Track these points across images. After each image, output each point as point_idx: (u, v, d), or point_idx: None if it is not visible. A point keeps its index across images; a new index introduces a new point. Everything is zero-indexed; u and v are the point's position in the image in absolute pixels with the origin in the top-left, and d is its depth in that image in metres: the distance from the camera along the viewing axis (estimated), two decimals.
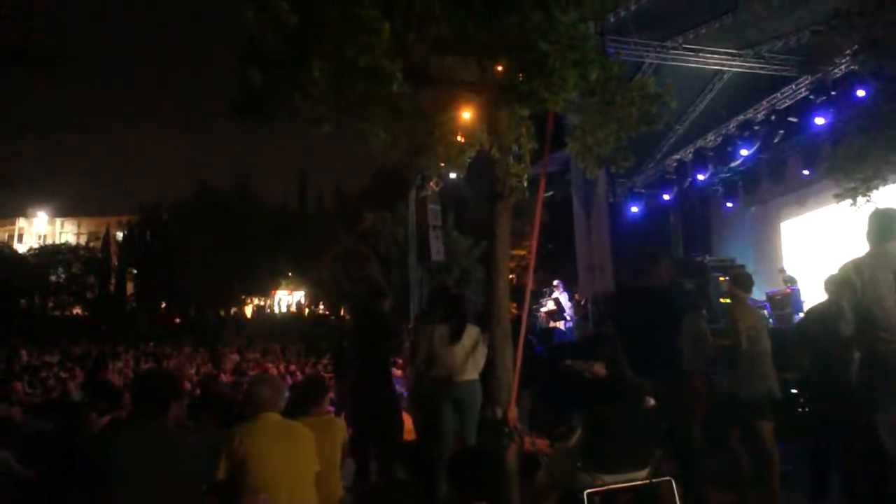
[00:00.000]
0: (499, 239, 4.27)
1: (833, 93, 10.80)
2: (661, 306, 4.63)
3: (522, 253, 22.04)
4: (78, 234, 55.63)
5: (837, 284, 3.77)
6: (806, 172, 12.84)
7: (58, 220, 58.44)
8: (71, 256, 42.77)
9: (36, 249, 45.19)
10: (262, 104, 3.65)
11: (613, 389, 3.74)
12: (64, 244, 46.42)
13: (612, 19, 10.41)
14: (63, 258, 42.36)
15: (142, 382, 3.54)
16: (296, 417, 3.75)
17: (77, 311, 42.37)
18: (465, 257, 24.19)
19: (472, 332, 5.27)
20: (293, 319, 40.67)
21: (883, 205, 4.81)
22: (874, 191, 7.98)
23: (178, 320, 41.50)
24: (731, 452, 5.26)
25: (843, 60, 9.95)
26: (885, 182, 7.98)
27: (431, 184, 15.23)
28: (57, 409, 6.95)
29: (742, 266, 11.60)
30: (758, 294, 12.65)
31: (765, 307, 12.05)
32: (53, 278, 41.65)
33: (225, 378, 13.30)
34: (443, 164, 5.26)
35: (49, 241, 50.06)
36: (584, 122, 4.28)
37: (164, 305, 43.41)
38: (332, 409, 8.71)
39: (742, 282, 5.37)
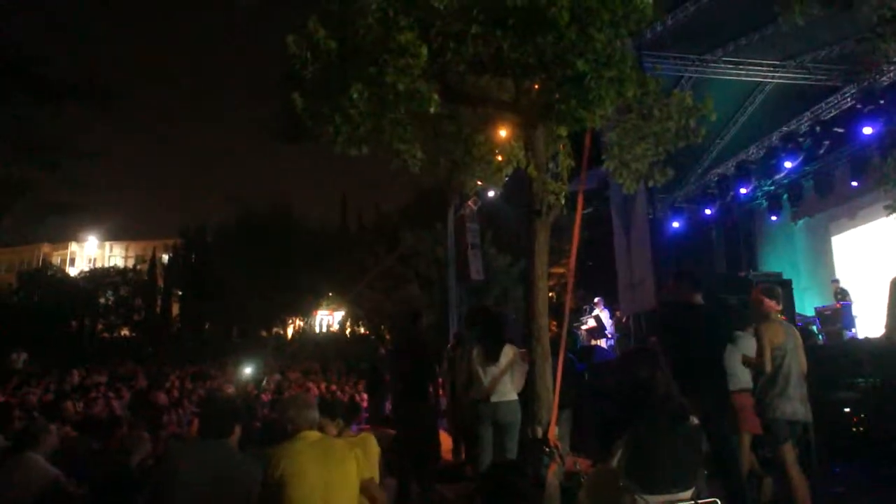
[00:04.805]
0: (537, 257, 4.26)
1: (881, 101, 10.53)
2: (708, 323, 4.52)
3: (562, 271, 21.88)
4: (126, 258, 57.29)
5: (889, 296, 3.64)
6: (854, 184, 12.49)
7: (107, 244, 60.27)
8: (119, 279, 43.94)
9: (86, 273, 46.55)
10: (303, 128, 3.73)
11: (657, 408, 3.66)
12: (112, 267, 47.79)
13: (648, 34, 10.35)
14: (112, 281, 43.52)
15: (209, 406, 3.68)
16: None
17: (125, 332, 43.39)
18: (504, 275, 24.09)
19: (508, 352, 5.24)
20: (334, 339, 40.95)
21: None
22: None
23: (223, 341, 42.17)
24: (783, 473, 5.10)
25: (891, 68, 9.70)
26: None
27: (470, 202, 15.27)
28: (103, 427, 7.10)
29: (789, 281, 11.27)
30: (808, 310, 12.32)
31: (814, 323, 11.70)
32: (102, 301, 42.77)
33: (266, 398, 13.47)
34: (480, 183, 5.29)
35: (98, 265, 51.56)
36: (621, 138, 4.27)
37: (207, 326, 44.16)
38: (367, 427, 8.76)
39: (769, 291, 5.21)
